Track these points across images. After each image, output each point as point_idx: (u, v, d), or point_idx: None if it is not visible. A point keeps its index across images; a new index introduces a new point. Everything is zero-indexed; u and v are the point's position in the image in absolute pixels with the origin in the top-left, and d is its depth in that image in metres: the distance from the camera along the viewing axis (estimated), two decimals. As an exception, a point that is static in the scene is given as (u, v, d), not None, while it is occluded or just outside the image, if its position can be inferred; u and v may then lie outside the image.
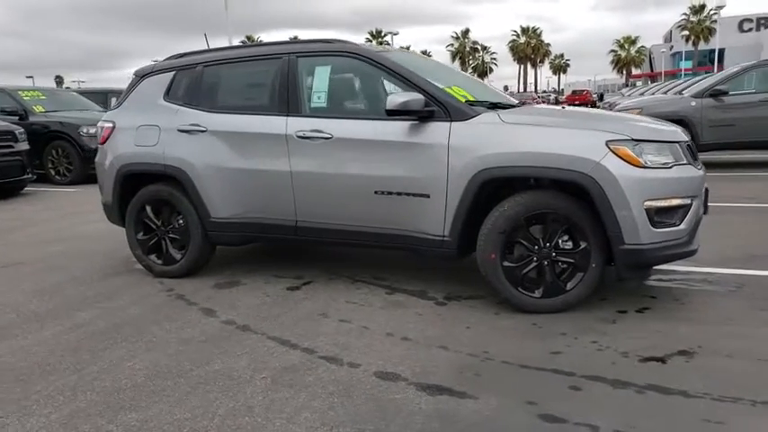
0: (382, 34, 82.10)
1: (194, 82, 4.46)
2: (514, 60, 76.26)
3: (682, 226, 3.43)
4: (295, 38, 28.98)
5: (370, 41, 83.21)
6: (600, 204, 3.32)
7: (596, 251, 3.47)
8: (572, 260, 3.51)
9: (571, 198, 3.45)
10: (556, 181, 3.45)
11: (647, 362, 2.90)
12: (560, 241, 3.53)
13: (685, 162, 3.46)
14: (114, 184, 4.68)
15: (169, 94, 4.56)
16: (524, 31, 71.53)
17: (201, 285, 4.40)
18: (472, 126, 3.61)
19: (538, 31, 71.07)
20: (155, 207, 4.61)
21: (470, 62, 78.72)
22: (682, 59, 61.96)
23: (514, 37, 72.17)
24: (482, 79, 78.74)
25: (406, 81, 3.81)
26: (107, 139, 4.75)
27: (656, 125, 3.69)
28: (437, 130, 3.66)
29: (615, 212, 3.30)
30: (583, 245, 3.48)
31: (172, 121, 4.43)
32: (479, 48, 78.66)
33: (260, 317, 3.71)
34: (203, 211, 4.35)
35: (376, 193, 3.83)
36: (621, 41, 70.51)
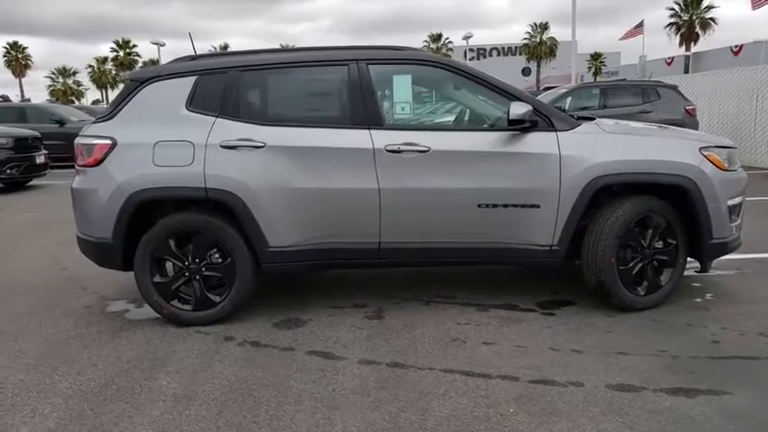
0: (130, 44, 76.03)
1: (231, 89, 3.74)
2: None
3: (738, 221, 4.01)
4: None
5: (116, 51, 76.10)
6: (698, 204, 3.71)
7: (683, 248, 3.87)
8: (666, 258, 3.85)
9: (666, 201, 3.78)
10: (659, 185, 3.74)
11: (786, 337, 3.35)
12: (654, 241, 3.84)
13: (739, 165, 4.06)
14: (119, 216, 3.66)
15: (193, 103, 3.75)
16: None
17: (259, 327, 3.72)
18: (579, 135, 3.73)
19: (299, 51, 72.96)
20: (178, 241, 3.76)
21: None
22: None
23: (277, 55, 73.27)
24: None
25: (504, 92, 3.77)
26: (103, 159, 3.71)
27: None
28: (544, 140, 3.69)
29: (709, 211, 3.73)
30: (673, 243, 3.84)
31: (210, 136, 3.66)
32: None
33: (394, 351, 3.31)
34: (259, 240, 3.69)
35: (480, 206, 3.71)
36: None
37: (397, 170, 3.68)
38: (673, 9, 53.13)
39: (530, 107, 3.60)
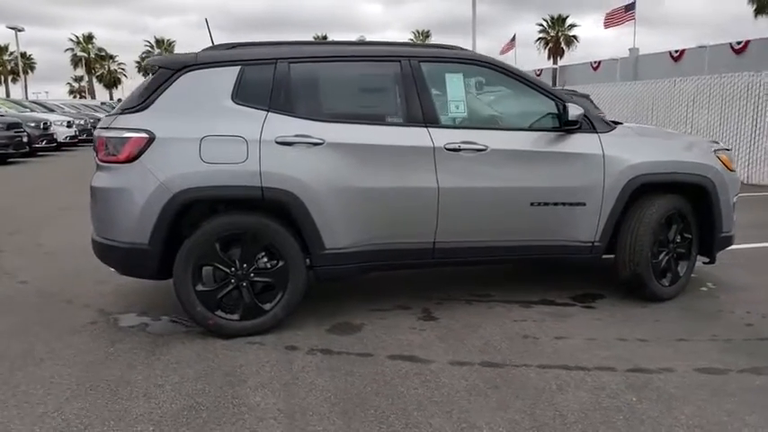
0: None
1: (281, 81, 3.51)
2: (140, 73, 71.47)
3: (735, 216, 4.45)
4: None
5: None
6: (713, 201, 4.07)
7: (696, 242, 4.22)
8: (684, 251, 4.17)
9: (685, 199, 4.11)
10: (685, 184, 4.05)
11: (803, 318, 3.78)
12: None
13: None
14: (160, 219, 3.30)
15: (240, 96, 3.47)
16: (159, 43, 68.91)
17: (315, 334, 3.53)
18: (617, 137, 3.94)
19: (172, 45, 69.37)
20: (224, 245, 3.46)
21: (96, 71, 71.80)
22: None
23: (148, 48, 68.99)
24: (111, 90, 72.34)
25: (552, 95, 3.89)
26: (139, 154, 3.32)
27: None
28: (589, 141, 3.86)
29: (721, 208, 4.11)
30: (689, 237, 4.18)
31: (263, 131, 3.41)
32: (106, 56, 72.30)
33: (475, 351, 3.29)
34: (315, 242, 3.49)
35: (532, 204, 3.79)
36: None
37: (455, 169, 3.66)
38: (542, 25, 57.45)
39: (582, 110, 3.75)
